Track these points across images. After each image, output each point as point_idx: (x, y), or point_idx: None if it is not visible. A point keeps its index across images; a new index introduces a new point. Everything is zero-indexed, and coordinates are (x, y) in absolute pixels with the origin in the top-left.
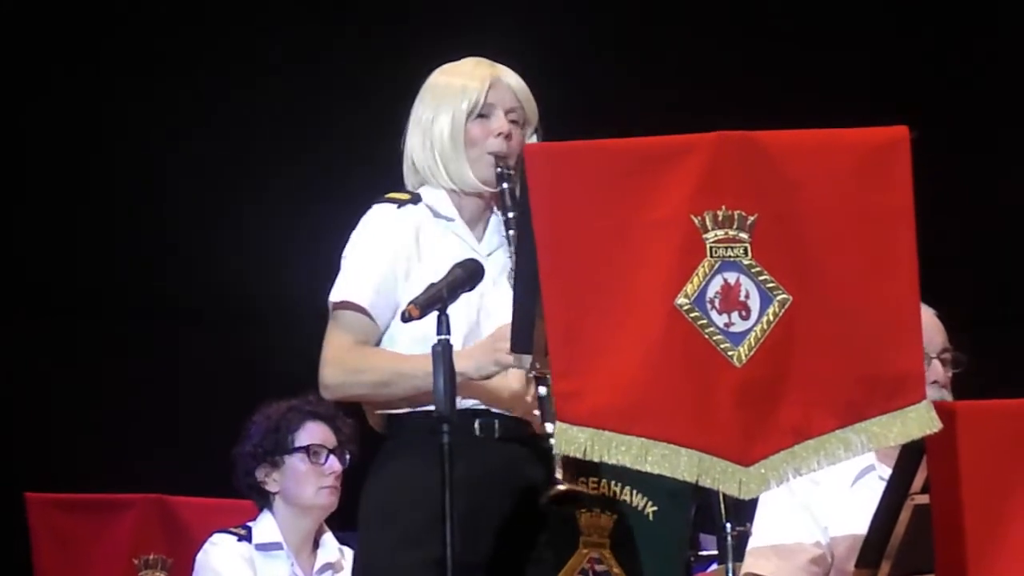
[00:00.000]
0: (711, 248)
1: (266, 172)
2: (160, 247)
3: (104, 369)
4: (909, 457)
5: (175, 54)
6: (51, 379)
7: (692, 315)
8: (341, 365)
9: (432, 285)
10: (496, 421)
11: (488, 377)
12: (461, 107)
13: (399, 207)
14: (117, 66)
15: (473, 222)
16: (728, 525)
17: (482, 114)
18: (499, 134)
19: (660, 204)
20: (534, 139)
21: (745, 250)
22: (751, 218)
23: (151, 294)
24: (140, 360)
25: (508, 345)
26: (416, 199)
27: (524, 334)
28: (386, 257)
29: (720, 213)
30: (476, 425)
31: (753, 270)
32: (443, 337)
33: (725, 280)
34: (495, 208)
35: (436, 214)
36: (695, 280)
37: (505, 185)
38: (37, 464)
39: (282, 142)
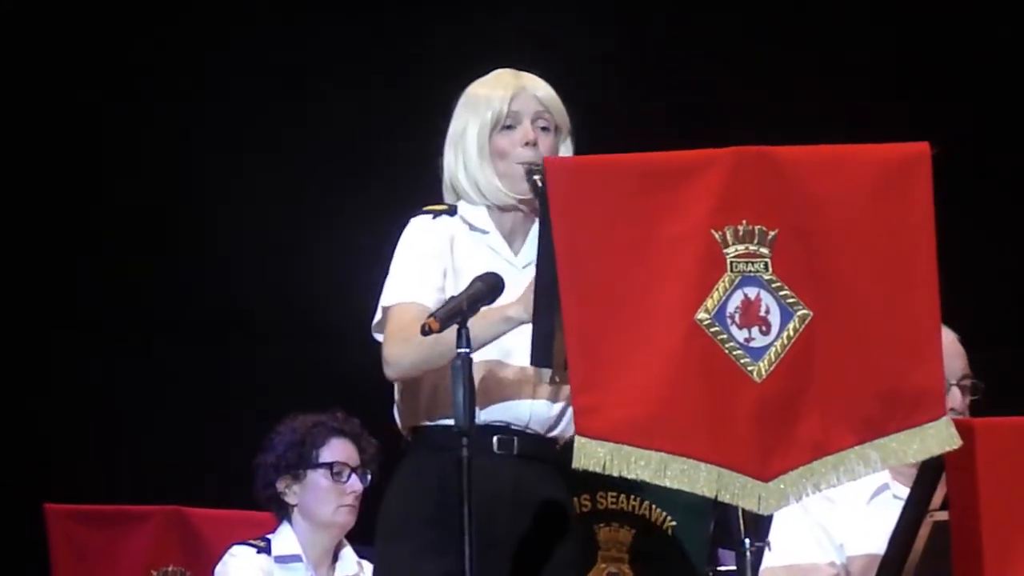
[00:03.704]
0: (731, 263)
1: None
2: (178, 264)
3: (122, 381)
4: (928, 474)
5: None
6: (70, 391)
7: (712, 330)
8: (400, 337)
9: (452, 298)
10: (515, 438)
11: None
12: (485, 119)
13: (434, 218)
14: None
15: (512, 234)
16: (747, 540)
17: (508, 125)
18: (525, 143)
19: (680, 218)
20: (568, 143)
21: (766, 265)
22: (772, 233)
23: (170, 309)
24: (158, 373)
25: None
26: (452, 211)
27: (543, 347)
28: (428, 258)
29: (741, 228)
30: (495, 441)
31: (773, 285)
32: (462, 351)
33: (745, 295)
34: (536, 220)
35: (472, 227)
36: (715, 295)
37: (536, 177)
38: (56, 475)
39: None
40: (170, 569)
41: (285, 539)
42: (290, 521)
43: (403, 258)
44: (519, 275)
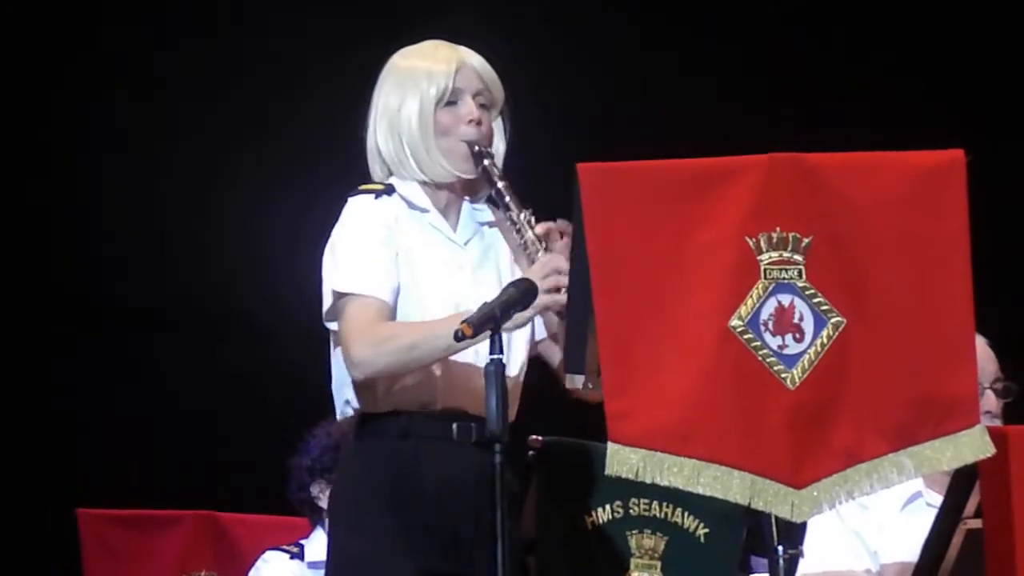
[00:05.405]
0: (765, 270)
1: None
2: (208, 263)
3: (157, 385)
4: (962, 481)
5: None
6: (104, 395)
7: (745, 337)
8: (367, 338)
9: (485, 304)
10: (473, 425)
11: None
12: (429, 94)
13: (376, 197)
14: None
15: (447, 212)
16: (780, 547)
17: (450, 101)
18: (470, 121)
19: (714, 225)
20: (499, 121)
21: (799, 272)
22: (805, 240)
23: (203, 309)
24: (193, 376)
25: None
26: (390, 190)
27: (576, 353)
28: (378, 242)
29: (775, 235)
30: (454, 428)
31: (807, 292)
32: (495, 357)
33: (779, 302)
34: (467, 197)
35: (411, 205)
36: (749, 302)
37: (486, 162)
38: (89, 480)
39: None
40: (202, 574)
41: (318, 545)
42: (323, 526)
43: (353, 242)
44: (462, 252)
